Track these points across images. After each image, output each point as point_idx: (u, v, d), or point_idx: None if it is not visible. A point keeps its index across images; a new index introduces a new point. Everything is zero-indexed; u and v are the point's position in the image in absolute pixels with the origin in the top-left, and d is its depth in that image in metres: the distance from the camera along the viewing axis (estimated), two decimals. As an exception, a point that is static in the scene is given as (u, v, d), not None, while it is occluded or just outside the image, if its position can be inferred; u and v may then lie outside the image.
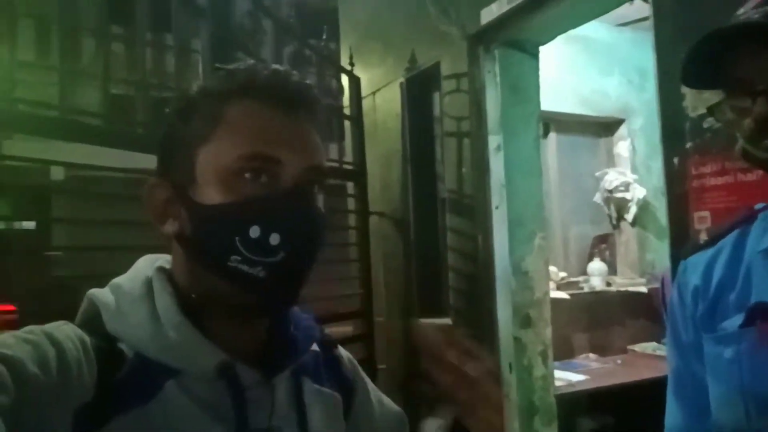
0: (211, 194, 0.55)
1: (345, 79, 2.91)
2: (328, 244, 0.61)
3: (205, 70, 2.16)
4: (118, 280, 0.61)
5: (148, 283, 0.59)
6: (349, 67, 2.90)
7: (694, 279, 0.92)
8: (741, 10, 0.79)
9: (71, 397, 0.49)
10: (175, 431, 0.53)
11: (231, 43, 2.31)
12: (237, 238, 0.54)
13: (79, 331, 0.53)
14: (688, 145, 1.52)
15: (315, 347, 0.70)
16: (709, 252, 0.92)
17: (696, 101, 1.49)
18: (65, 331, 0.52)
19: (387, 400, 0.79)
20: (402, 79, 2.92)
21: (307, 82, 0.61)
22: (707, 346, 0.87)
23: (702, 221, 1.48)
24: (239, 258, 0.54)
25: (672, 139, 1.57)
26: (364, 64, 3.09)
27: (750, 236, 0.87)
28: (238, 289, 0.56)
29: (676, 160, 1.55)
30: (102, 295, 0.59)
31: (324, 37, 2.88)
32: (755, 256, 0.84)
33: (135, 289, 0.58)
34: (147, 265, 0.62)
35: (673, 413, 0.98)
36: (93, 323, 0.56)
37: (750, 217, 0.89)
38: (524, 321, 2.38)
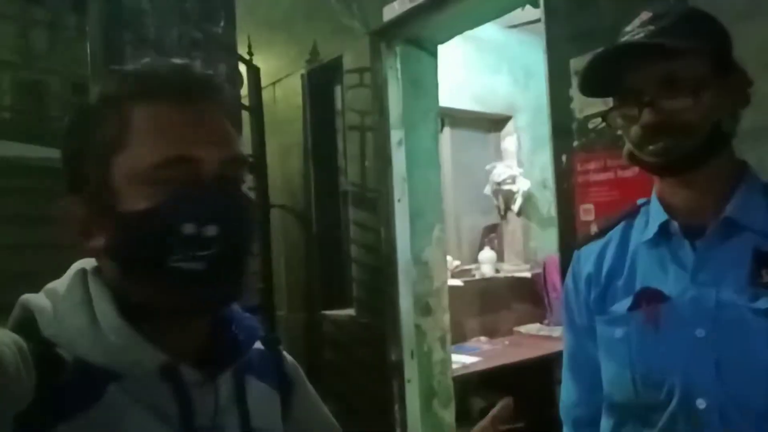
0: (134, 202, 0.55)
1: (243, 69, 2.82)
2: (254, 228, 0.64)
3: (93, 51, 2.01)
4: (53, 284, 0.59)
5: (85, 287, 0.58)
6: (247, 57, 2.82)
7: (587, 267, 1.02)
8: (629, 27, 0.89)
9: (9, 402, 0.48)
10: None
11: (120, 23, 2.16)
12: (171, 238, 0.54)
13: (16, 336, 0.51)
14: (575, 143, 1.67)
15: (259, 345, 0.71)
16: (599, 243, 1.02)
17: (582, 104, 1.63)
18: (0, 336, 0.50)
19: (322, 407, 0.81)
20: (303, 71, 2.90)
21: (209, 72, 0.61)
22: (599, 328, 0.97)
23: (587, 213, 1.64)
24: (177, 257, 0.54)
25: (561, 137, 1.71)
26: (264, 54, 3.02)
27: (634, 228, 0.99)
28: (181, 287, 0.56)
29: (564, 157, 1.70)
30: (37, 300, 0.57)
31: (221, 23, 2.77)
32: (639, 246, 0.95)
33: (73, 294, 0.57)
34: (82, 269, 0.61)
35: (568, 389, 1.09)
36: (28, 329, 0.55)
37: (634, 211, 1.01)
38: (424, 309, 2.48)
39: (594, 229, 1.07)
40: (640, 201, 1.01)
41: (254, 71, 2.80)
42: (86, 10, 2.09)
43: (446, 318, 2.58)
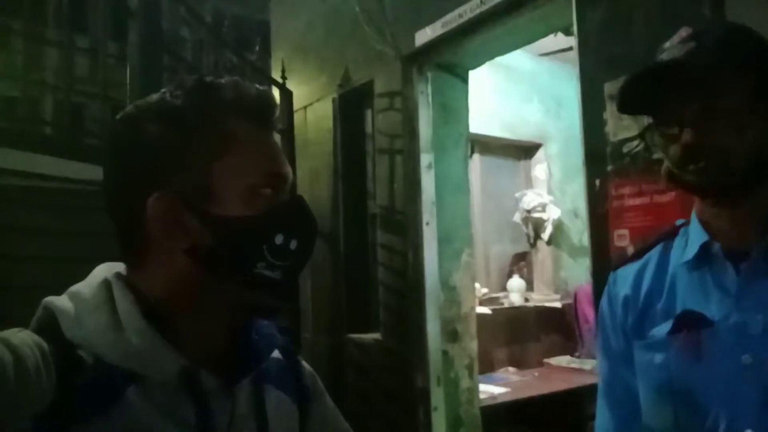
0: (234, 208, 0.58)
1: (276, 93, 2.88)
2: None
3: (132, 76, 2.08)
4: (76, 287, 0.60)
5: (108, 290, 0.59)
6: (281, 81, 2.88)
7: (624, 289, 0.98)
8: (667, 44, 0.87)
9: (29, 403, 0.48)
10: None
11: (160, 49, 2.23)
12: (265, 246, 0.58)
13: (37, 338, 0.52)
14: (609, 168, 1.64)
15: (278, 355, 0.72)
16: (636, 264, 0.99)
17: (617, 128, 1.61)
18: (22, 337, 0.51)
19: (341, 418, 0.80)
20: (335, 95, 2.94)
21: (275, 97, 0.70)
22: (638, 353, 0.93)
23: (621, 239, 1.60)
24: (264, 264, 0.58)
25: (594, 162, 1.68)
26: (297, 78, 3.08)
27: (673, 249, 0.95)
28: (259, 293, 0.60)
29: (597, 182, 1.67)
30: (59, 302, 0.58)
31: (257, 49, 2.85)
32: (679, 268, 0.92)
33: (95, 296, 0.58)
34: (105, 272, 0.62)
35: (604, 419, 1.04)
36: (50, 330, 0.55)
37: (672, 233, 0.97)
38: (451, 335, 2.43)
39: (630, 250, 1.04)
40: (678, 222, 0.98)
41: (287, 95, 2.85)
42: (126, 37, 2.16)
43: (474, 345, 2.53)
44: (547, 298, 3.78)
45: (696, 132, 0.81)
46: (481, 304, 3.48)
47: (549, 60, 3.91)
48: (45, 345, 0.52)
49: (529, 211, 3.83)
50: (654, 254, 0.97)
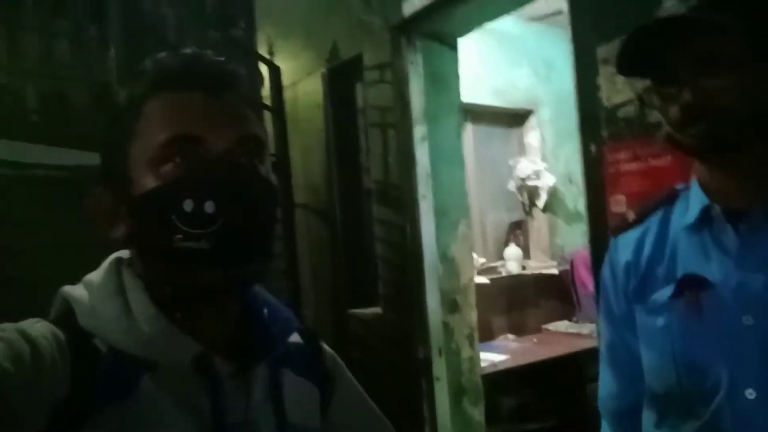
0: (145, 185, 0.56)
1: (264, 69, 2.84)
2: (276, 213, 0.62)
3: (116, 58, 2.04)
4: (90, 276, 0.61)
5: (120, 278, 0.59)
6: (268, 56, 2.83)
7: (625, 255, 0.98)
8: (668, 2, 0.85)
9: (47, 393, 0.49)
10: (153, 425, 0.54)
11: (141, 30, 2.19)
12: (173, 216, 0.54)
13: (53, 328, 0.53)
14: (604, 133, 1.63)
15: (298, 339, 0.71)
16: (637, 230, 0.99)
17: (611, 92, 1.60)
18: (39, 328, 0.52)
19: (370, 403, 0.79)
20: (324, 70, 2.89)
21: (220, 59, 0.61)
22: (640, 317, 0.94)
23: (618, 204, 1.60)
24: (181, 236, 0.54)
25: (589, 128, 1.67)
26: (284, 54, 3.03)
27: (673, 214, 0.95)
28: (189, 269, 0.55)
29: (593, 148, 1.66)
30: (74, 291, 0.59)
31: (242, 25, 2.79)
32: (680, 232, 0.92)
33: (107, 285, 0.58)
34: (117, 260, 0.62)
35: (606, 381, 1.06)
36: (66, 320, 0.56)
37: (672, 197, 0.97)
38: (452, 306, 2.45)
39: (631, 216, 1.04)
40: (678, 186, 0.98)
41: (275, 71, 2.81)
42: (107, 20, 2.12)
43: (473, 315, 2.55)
44: (544, 265, 3.80)
45: (696, 90, 0.80)
46: (479, 274, 3.50)
47: (538, 24, 3.86)
48: (61, 335, 0.53)
49: (523, 179, 3.82)
50: (655, 220, 0.98)
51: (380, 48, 2.51)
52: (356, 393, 0.78)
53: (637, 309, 0.95)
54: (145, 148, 0.57)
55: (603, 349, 1.06)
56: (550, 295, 3.73)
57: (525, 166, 3.81)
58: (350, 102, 2.89)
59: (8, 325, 0.51)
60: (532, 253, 3.96)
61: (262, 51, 2.87)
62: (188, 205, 0.54)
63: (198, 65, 0.60)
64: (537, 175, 3.81)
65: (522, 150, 4.03)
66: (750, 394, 0.78)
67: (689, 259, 0.89)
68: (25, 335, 0.50)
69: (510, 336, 3.50)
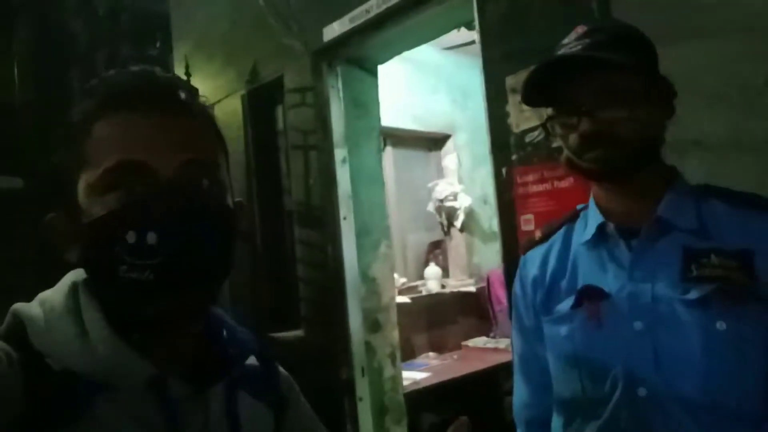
0: (91, 213, 0.55)
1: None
2: (228, 236, 0.60)
3: (21, 72, 1.94)
4: (44, 294, 0.60)
5: (75, 298, 0.58)
6: (185, 77, 2.78)
7: (532, 271, 1.06)
8: (566, 40, 0.94)
9: None
10: None
11: (52, 46, 2.09)
12: (117, 247, 0.53)
13: (5, 346, 0.52)
14: (513, 157, 1.73)
15: (254, 361, 0.71)
16: (543, 247, 1.07)
17: (518, 119, 1.71)
18: None
19: (318, 422, 0.80)
20: (243, 91, 2.88)
21: (170, 75, 0.61)
22: (546, 328, 1.01)
23: (527, 223, 1.70)
24: (125, 267, 0.54)
25: (500, 152, 1.78)
26: (202, 74, 2.99)
27: (574, 232, 1.04)
28: (136, 299, 0.55)
29: (503, 170, 1.76)
30: (28, 309, 0.57)
31: (158, 44, 2.73)
32: (580, 247, 1.00)
33: (63, 304, 0.57)
34: (73, 278, 0.61)
35: (520, 391, 1.12)
36: (17, 338, 0.55)
37: (574, 216, 1.06)
38: (373, 325, 2.48)
39: (538, 234, 1.12)
40: (579, 206, 1.07)
41: (195, 91, 2.76)
42: (14, 33, 2.02)
43: (395, 334, 2.59)
44: (462, 283, 3.92)
45: (592, 121, 0.89)
46: (401, 293, 3.56)
47: (454, 53, 4.04)
48: (13, 354, 0.51)
49: (441, 201, 3.95)
50: (558, 237, 1.06)
51: (301, 71, 2.54)
52: (308, 417, 0.79)
53: (544, 320, 1.02)
54: (90, 173, 0.55)
55: (516, 361, 1.13)
56: (469, 312, 3.84)
57: (443, 188, 3.94)
58: (271, 124, 2.89)
59: None
60: (451, 271, 4.08)
61: (179, 71, 2.82)
62: (131, 237, 0.53)
63: (148, 83, 0.58)
64: (454, 196, 3.95)
65: (440, 172, 4.17)
66: (641, 392, 0.86)
67: (588, 272, 0.98)
68: None
69: (431, 354, 3.57)
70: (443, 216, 4.02)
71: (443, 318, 3.72)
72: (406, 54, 2.61)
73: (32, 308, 0.57)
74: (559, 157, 1.01)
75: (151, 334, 0.58)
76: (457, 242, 4.10)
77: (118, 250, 0.53)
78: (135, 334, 0.57)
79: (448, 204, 3.95)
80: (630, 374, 0.88)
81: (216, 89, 3.02)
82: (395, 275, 3.59)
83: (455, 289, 3.84)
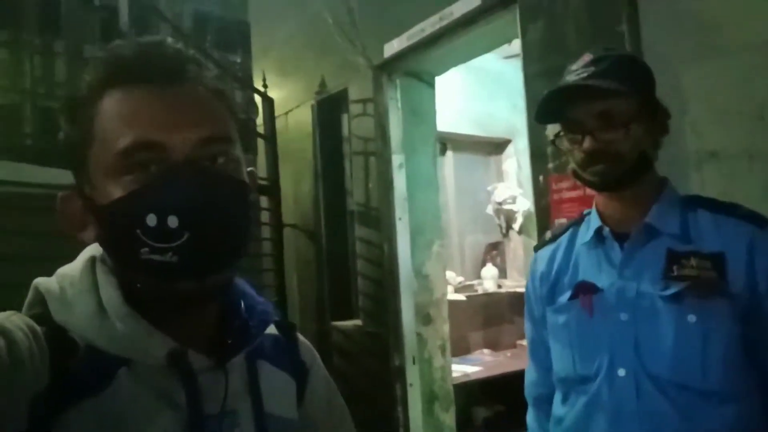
0: (108, 194, 0.53)
1: (259, 100, 3.10)
2: (247, 212, 0.58)
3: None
4: (64, 269, 0.60)
5: (93, 274, 0.58)
6: (262, 89, 3.09)
7: (541, 267, 1.22)
8: (574, 66, 1.09)
9: (24, 386, 0.48)
10: (129, 419, 0.53)
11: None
12: (138, 230, 0.52)
13: (30, 321, 0.52)
14: (550, 165, 1.88)
15: (274, 331, 0.71)
16: (552, 246, 1.23)
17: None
18: (14, 321, 0.51)
19: (338, 393, 0.79)
20: (313, 102, 3.16)
21: (182, 47, 0.57)
22: (549, 317, 1.17)
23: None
24: (147, 249, 0.52)
25: (538, 160, 1.92)
26: (278, 86, 3.30)
27: (579, 233, 1.19)
28: (158, 281, 0.54)
29: (541, 178, 1.91)
30: (47, 284, 0.58)
31: (239, 60, 3.05)
32: (581, 247, 1.16)
33: (81, 281, 0.57)
34: (92, 254, 0.60)
35: (530, 372, 1.29)
36: (40, 313, 0.55)
37: (580, 220, 1.21)
38: (425, 319, 2.68)
39: (548, 235, 1.28)
40: (585, 211, 1.22)
41: (269, 102, 3.06)
42: (108, 42, 2.33)
43: (446, 327, 2.77)
44: (518, 284, 4.03)
45: (594, 140, 1.04)
46: (457, 291, 3.73)
47: (515, 60, 4.14)
48: (38, 328, 0.52)
49: (500, 203, 4.08)
50: (565, 237, 1.22)
51: (364, 84, 2.77)
52: (329, 385, 0.77)
53: (548, 310, 1.18)
54: (103, 153, 0.53)
55: (528, 345, 1.30)
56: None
57: (502, 191, 4.07)
58: (336, 131, 3.16)
59: None
60: (508, 272, 4.20)
61: (257, 83, 3.14)
62: (151, 220, 0.51)
63: (156, 54, 0.55)
64: (513, 199, 4.06)
65: (500, 176, 4.29)
66: (621, 372, 1.01)
67: (586, 269, 1.13)
68: (1, 328, 0.48)
69: (486, 350, 3.71)
70: (502, 218, 4.14)
71: (499, 317, 3.84)
72: (468, 63, 2.78)
73: (52, 283, 0.57)
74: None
75: (170, 312, 0.57)
76: (515, 244, 4.21)
77: (139, 232, 0.52)
78: (153, 310, 0.56)
79: (506, 207, 4.07)
80: (613, 357, 1.03)
81: (289, 100, 3.32)
82: (452, 273, 3.77)
83: (511, 290, 3.95)
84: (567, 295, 1.13)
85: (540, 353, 1.24)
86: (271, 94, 3.10)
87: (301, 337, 0.76)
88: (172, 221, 0.52)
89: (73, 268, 0.59)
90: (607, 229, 1.11)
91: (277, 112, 3.11)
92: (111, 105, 0.54)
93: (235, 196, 0.56)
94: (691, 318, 0.98)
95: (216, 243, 0.54)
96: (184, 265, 0.53)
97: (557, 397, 1.17)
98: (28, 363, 0.48)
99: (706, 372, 0.96)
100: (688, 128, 1.52)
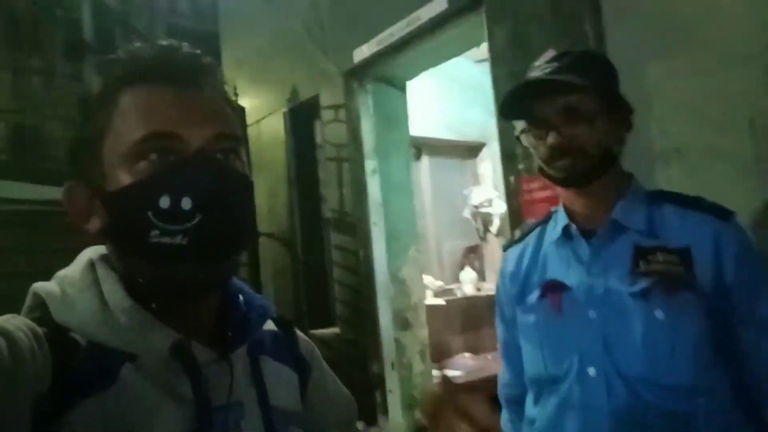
0: (120, 181, 0.55)
1: (230, 109, 3.06)
2: (251, 207, 0.61)
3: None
4: (63, 271, 0.61)
5: (93, 272, 0.59)
6: (233, 97, 3.06)
7: (510, 266, 1.21)
8: (537, 62, 1.08)
9: (27, 387, 0.49)
10: (135, 415, 0.54)
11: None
12: (149, 212, 0.54)
13: (30, 322, 0.53)
14: (520, 166, 1.88)
15: (273, 327, 0.72)
16: (520, 245, 1.22)
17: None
18: (15, 323, 0.52)
19: (339, 384, 0.80)
20: (285, 109, 3.14)
21: (197, 52, 0.60)
22: (519, 317, 1.16)
23: (533, 225, 1.84)
24: (158, 232, 0.54)
25: (509, 161, 1.93)
26: (249, 95, 3.27)
27: (546, 231, 1.18)
28: (166, 264, 0.55)
29: (512, 179, 1.91)
30: (47, 287, 0.59)
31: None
32: (550, 245, 1.15)
33: (82, 279, 0.58)
34: (90, 254, 0.62)
35: (503, 373, 1.27)
36: (40, 315, 0.56)
37: (547, 218, 1.20)
38: (403, 324, 2.66)
39: (517, 234, 1.27)
40: (553, 209, 1.21)
41: (240, 111, 3.04)
42: (83, 58, 2.30)
43: (424, 332, 2.76)
44: (498, 286, 4.03)
45: (559, 134, 1.03)
46: (436, 296, 3.71)
47: (487, 64, 4.17)
48: (39, 329, 0.52)
49: (477, 207, 4.09)
50: (533, 236, 1.20)
51: (335, 90, 2.76)
52: (331, 378, 0.79)
53: (518, 310, 1.17)
54: (119, 143, 0.55)
55: (500, 346, 1.28)
56: (505, 315, 3.92)
57: (478, 195, 4.08)
58: (309, 138, 3.14)
59: None
60: (487, 275, 4.20)
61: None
62: (164, 202, 0.53)
63: (174, 57, 0.58)
64: (489, 202, 4.08)
65: (475, 180, 4.31)
66: (591, 371, 1.00)
67: (555, 267, 1.12)
68: (1, 330, 0.49)
69: (467, 354, 3.69)
70: (479, 222, 4.15)
71: (479, 320, 3.83)
72: (441, 67, 2.79)
73: (51, 286, 0.58)
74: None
75: (173, 303, 0.59)
76: (492, 247, 4.21)
77: (150, 215, 0.54)
78: (155, 303, 0.58)
79: (483, 210, 4.09)
80: (583, 356, 1.01)
81: (260, 108, 3.29)
82: (431, 278, 3.76)
83: (490, 292, 3.94)
84: (536, 294, 1.12)
85: (512, 354, 1.23)
86: (242, 103, 3.08)
87: (299, 332, 0.77)
88: (186, 203, 0.54)
89: (72, 270, 0.60)
90: (574, 227, 1.10)
91: (249, 121, 3.09)
92: (131, 99, 0.56)
93: (243, 190, 0.59)
94: (659, 314, 0.97)
95: (224, 229, 0.56)
96: (193, 249, 0.54)
97: (529, 397, 1.15)
98: (30, 364, 0.49)
99: (675, 368, 0.95)
100: (653, 125, 1.53)
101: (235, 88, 3.07)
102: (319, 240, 3.09)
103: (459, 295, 3.86)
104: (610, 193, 1.08)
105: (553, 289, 1.10)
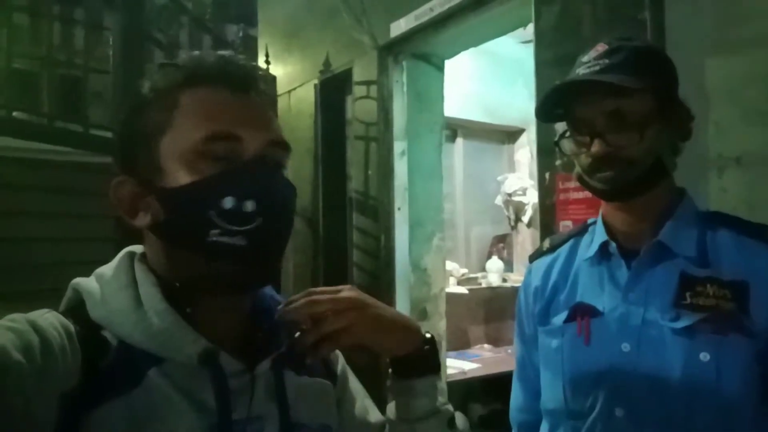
0: (179, 179, 0.57)
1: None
2: (294, 219, 0.64)
3: (115, 61, 2.16)
4: (102, 269, 0.62)
5: (131, 272, 0.60)
6: (265, 65, 2.95)
7: (535, 280, 1.09)
8: (585, 57, 0.94)
9: (56, 384, 0.50)
10: (157, 419, 0.54)
11: (142, 35, 2.31)
12: (212, 212, 0.56)
13: (63, 319, 0.54)
14: (558, 162, 1.73)
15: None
16: (549, 257, 1.09)
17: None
18: (48, 319, 0.53)
19: (368, 399, 0.80)
20: (316, 81, 3.02)
21: (253, 63, 0.64)
22: (541, 338, 1.04)
23: (566, 230, 1.70)
24: (218, 231, 0.56)
25: (545, 156, 1.78)
26: (281, 62, 3.16)
27: (580, 246, 1.06)
28: (221, 262, 0.57)
29: (547, 175, 1.76)
30: (86, 283, 0.60)
31: (240, 34, 2.92)
32: (582, 263, 1.02)
33: (119, 278, 0.60)
34: (129, 254, 0.63)
35: (516, 395, 1.16)
36: (77, 311, 0.58)
37: (582, 230, 1.08)
38: (421, 314, 2.56)
39: (546, 244, 1.14)
40: (590, 220, 1.08)
41: (271, 80, 2.93)
42: (113, 10, 2.22)
43: (442, 324, 2.65)
44: (525, 279, 3.90)
45: (604, 144, 0.90)
46: (459, 283, 3.60)
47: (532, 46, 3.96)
48: (71, 327, 0.54)
49: (510, 195, 3.93)
50: (564, 249, 1.08)
51: (369, 64, 2.63)
52: (359, 391, 0.79)
53: (540, 330, 1.05)
54: (180, 141, 0.57)
55: (516, 366, 1.17)
56: (529, 308, 3.81)
57: (512, 182, 3.92)
58: (339, 113, 3.02)
59: (18, 316, 0.51)
60: (515, 266, 4.06)
61: (260, 59, 3.00)
62: (228, 203, 0.56)
63: (234, 63, 0.61)
64: (524, 191, 3.91)
65: (511, 167, 4.13)
66: (618, 412, 0.89)
67: (586, 288, 1.00)
68: (34, 326, 0.50)
69: (486, 346, 3.60)
70: (511, 210, 4.00)
71: (502, 312, 3.72)
72: (483, 46, 2.61)
73: (90, 282, 0.60)
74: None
75: (206, 309, 0.60)
76: (523, 237, 4.06)
77: (212, 214, 0.55)
78: (189, 308, 0.58)
79: (516, 198, 3.93)
80: (610, 394, 0.90)
81: (291, 78, 3.18)
82: (455, 265, 3.64)
83: (517, 284, 3.81)
84: (562, 316, 1.00)
85: (529, 376, 1.12)
86: (273, 71, 2.97)
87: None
88: (250, 205, 0.56)
89: (111, 267, 0.61)
90: (614, 245, 0.97)
91: (279, 91, 2.99)
92: (193, 100, 0.59)
93: (293, 198, 0.63)
94: (704, 356, 0.85)
95: (278, 234, 0.60)
96: (250, 250, 0.57)
97: (544, 427, 1.05)
98: (59, 361, 0.50)
99: (718, 418, 0.83)
100: (710, 128, 1.37)
101: (267, 55, 2.95)
102: (343, 220, 2.99)
103: (484, 284, 3.74)
104: (658, 210, 0.95)
105: (582, 313, 0.98)
